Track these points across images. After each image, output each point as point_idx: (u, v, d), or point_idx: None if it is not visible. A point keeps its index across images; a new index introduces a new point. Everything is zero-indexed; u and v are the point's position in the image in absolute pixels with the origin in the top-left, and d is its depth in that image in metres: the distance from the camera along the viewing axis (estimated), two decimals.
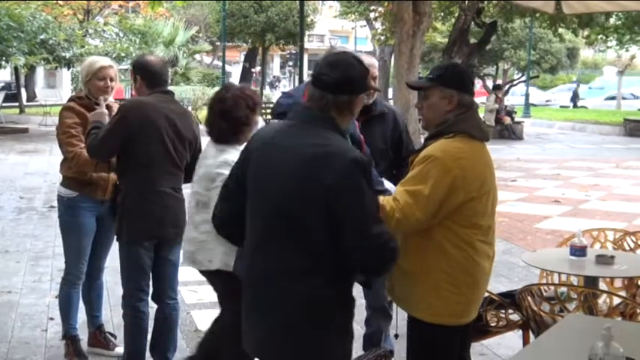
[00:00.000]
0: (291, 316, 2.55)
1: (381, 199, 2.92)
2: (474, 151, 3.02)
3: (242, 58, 39.23)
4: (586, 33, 24.26)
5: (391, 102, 14.14)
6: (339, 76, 2.58)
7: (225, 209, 2.79)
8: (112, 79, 4.32)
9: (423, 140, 3.17)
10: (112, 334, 4.74)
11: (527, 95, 30.67)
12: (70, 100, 4.45)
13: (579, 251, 4.08)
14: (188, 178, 4.20)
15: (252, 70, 35.13)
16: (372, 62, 3.80)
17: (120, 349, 4.48)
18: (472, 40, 19.09)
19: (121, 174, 4.11)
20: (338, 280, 2.56)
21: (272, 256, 2.57)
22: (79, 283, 4.50)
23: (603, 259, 4.07)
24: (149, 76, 4.07)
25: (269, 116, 19.66)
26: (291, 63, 43.66)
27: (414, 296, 3.03)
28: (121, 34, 22.53)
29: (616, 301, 4.08)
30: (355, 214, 2.47)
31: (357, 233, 2.47)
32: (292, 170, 2.50)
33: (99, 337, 4.66)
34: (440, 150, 2.95)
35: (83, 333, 4.66)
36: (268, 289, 2.59)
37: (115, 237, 4.18)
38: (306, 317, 2.54)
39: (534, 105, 33.71)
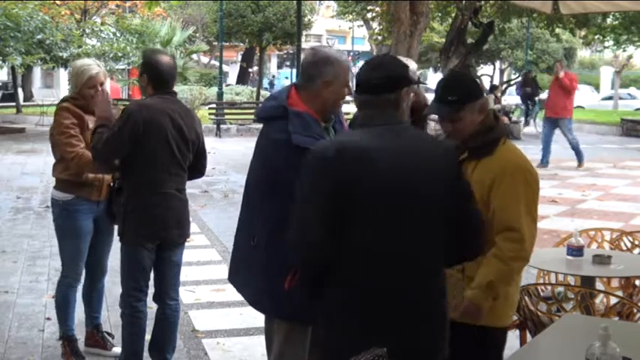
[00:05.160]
0: (443, 308, 2.61)
1: (486, 273, 2.94)
2: None
3: (239, 57, 39.19)
4: (583, 33, 24.28)
5: None
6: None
7: (327, 238, 2.49)
8: (101, 83, 4.31)
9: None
10: (109, 334, 4.73)
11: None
12: (64, 100, 4.39)
13: (576, 251, 4.09)
14: (191, 177, 4.21)
15: (250, 70, 35.10)
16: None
17: (117, 349, 4.47)
18: (469, 40, 19.10)
19: (125, 175, 4.07)
20: None
21: (422, 256, 2.54)
22: (77, 285, 4.49)
23: (600, 259, 4.08)
24: (157, 77, 4.02)
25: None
26: (288, 63, 43.64)
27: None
28: (118, 34, 22.45)
29: (613, 300, 4.09)
30: (472, 195, 2.68)
31: (478, 213, 2.68)
32: (433, 164, 2.56)
33: (96, 336, 4.65)
34: (518, 162, 3.02)
35: (80, 332, 4.66)
36: (422, 289, 2.56)
37: (119, 238, 4.14)
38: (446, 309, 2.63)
39: None
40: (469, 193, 2.66)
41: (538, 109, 22.36)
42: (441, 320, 2.60)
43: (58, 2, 24.17)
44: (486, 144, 3.01)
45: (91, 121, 4.26)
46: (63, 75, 30.13)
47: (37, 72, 33.69)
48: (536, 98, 22.67)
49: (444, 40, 20.53)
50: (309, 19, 28.90)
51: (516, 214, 2.93)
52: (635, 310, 3.86)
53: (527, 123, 22.36)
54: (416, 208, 2.50)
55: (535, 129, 21.67)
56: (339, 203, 2.44)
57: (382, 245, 2.48)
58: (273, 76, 42.37)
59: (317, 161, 2.50)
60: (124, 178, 4.10)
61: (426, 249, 2.54)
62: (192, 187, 10.01)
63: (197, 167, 4.22)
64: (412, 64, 3.91)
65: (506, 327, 3.14)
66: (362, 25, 33.03)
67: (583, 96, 38.81)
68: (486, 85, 24.86)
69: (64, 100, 4.41)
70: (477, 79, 3.23)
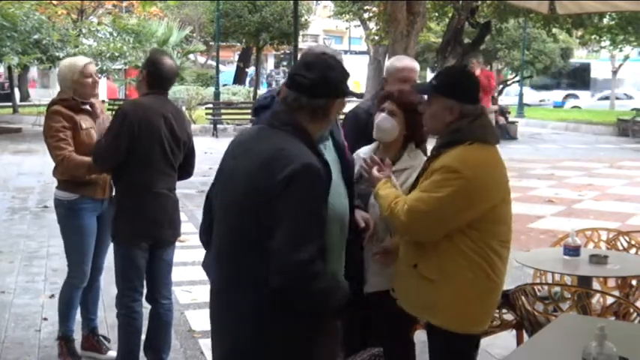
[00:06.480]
0: (242, 329, 2.41)
1: (393, 196, 2.94)
2: (492, 157, 2.97)
3: (236, 58, 39.15)
4: (580, 33, 24.33)
5: None
6: (316, 77, 2.42)
7: (208, 223, 2.68)
8: (95, 74, 4.32)
9: (435, 145, 3.06)
10: (105, 338, 4.72)
11: (520, 95, 30.72)
12: (54, 103, 4.30)
13: (573, 251, 4.09)
14: (179, 177, 4.21)
15: (247, 70, 35.05)
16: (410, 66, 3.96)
17: (112, 353, 4.47)
18: (466, 40, 19.13)
19: (117, 175, 4.07)
20: None
21: (225, 264, 2.48)
22: (82, 286, 4.47)
23: (597, 259, 4.08)
24: (155, 75, 4.01)
25: None
26: (285, 63, 43.55)
27: (440, 305, 2.94)
28: (115, 34, 22.40)
29: (609, 300, 4.09)
30: (284, 224, 2.26)
31: (279, 244, 2.25)
32: (244, 175, 2.39)
33: (92, 340, 4.64)
34: (460, 161, 2.86)
35: (77, 334, 4.65)
36: (221, 299, 2.51)
37: (111, 239, 4.14)
38: (257, 330, 2.37)
39: (528, 105, 33.78)
40: (273, 225, 2.28)
41: None
42: (242, 337, 2.42)
43: (54, 2, 24.12)
44: (447, 143, 2.93)
45: (83, 121, 4.24)
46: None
47: (34, 72, 33.62)
48: None
49: (440, 40, 20.55)
50: (306, 19, 28.90)
51: (427, 200, 2.83)
52: (631, 310, 3.87)
53: None
54: (220, 207, 2.55)
55: None
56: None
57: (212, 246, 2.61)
58: (270, 76, 42.20)
59: None
60: (116, 178, 4.10)
61: (226, 256, 2.48)
62: (189, 187, 9.99)
63: (186, 167, 4.22)
64: (415, 64, 4.10)
65: (470, 335, 2.98)
66: (359, 25, 33.01)
67: (580, 96, 38.97)
68: None
69: (53, 102, 4.32)
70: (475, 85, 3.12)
